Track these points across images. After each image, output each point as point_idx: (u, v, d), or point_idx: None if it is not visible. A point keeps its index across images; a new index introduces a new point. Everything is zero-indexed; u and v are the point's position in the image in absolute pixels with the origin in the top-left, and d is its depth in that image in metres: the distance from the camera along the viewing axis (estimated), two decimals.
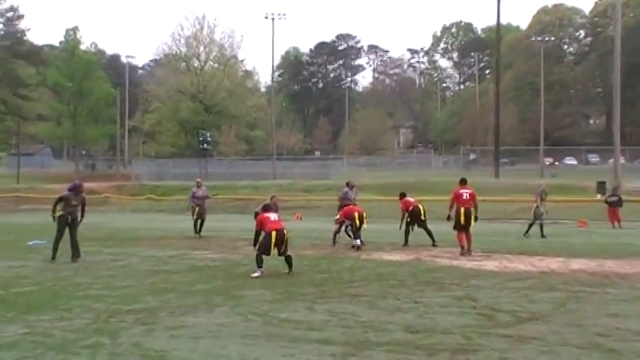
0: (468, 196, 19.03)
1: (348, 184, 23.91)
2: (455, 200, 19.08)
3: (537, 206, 25.17)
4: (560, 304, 11.36)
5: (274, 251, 14.62)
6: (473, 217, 18.83)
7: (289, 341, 8.77)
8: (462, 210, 18.74)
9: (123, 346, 8.55)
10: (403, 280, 14.09)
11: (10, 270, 15.85)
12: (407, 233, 21.13)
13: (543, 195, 25.43)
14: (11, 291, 12.93)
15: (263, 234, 14.80)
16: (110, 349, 8.37)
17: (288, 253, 14.94)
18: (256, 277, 14.24)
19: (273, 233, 14.55)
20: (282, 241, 14.63)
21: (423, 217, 21.23)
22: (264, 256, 14.58)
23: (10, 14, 75.83)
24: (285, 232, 14.86)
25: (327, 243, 21.36)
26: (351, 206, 20.78)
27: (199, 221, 25.33)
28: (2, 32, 76.30)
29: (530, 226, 25.14)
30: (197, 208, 25.41)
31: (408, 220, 21.23)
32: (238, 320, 10.12)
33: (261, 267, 14.54)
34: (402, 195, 22.11)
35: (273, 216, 15.20)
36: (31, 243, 21.49)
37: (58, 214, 17.48)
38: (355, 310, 10.75)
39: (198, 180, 28.02)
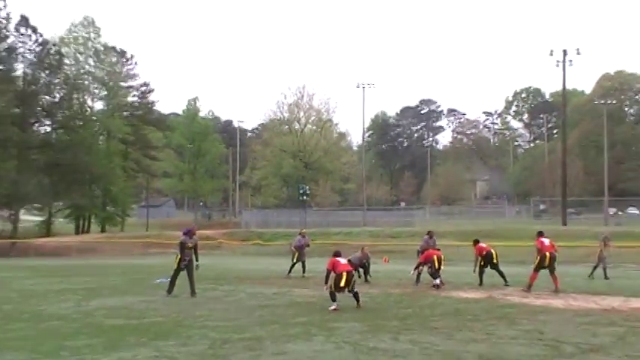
0: (548, 243, 18.92)
1: (429, 233, 23.79)
2: (540, 246, 18.87)
3: (601, 251, 24.54)
4: (620, 337, 11.07)
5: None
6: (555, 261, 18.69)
7: None
8: (548, 254, 18.54)
9: None
10: (477, 315, 13.90)
11: (142, 303, 16.29)
12: (481, 274, 20.85)
13: (607, 241, 24.77)
14: (143, 321, 13.33)
15: (334, 275, 14.96)
16: None
17: (356, 290, 15.17)
18: (333, 310, 14.40)
19: (344, 274, 14.81)
20: (350, 281, 14.89)
21: (495, 261, 20.99)
22: (336, 293, 14.81)
23: (143, 88, 78.72)
24: (353, 273, 15.22)
25: (411, 283, 21.25)
26: (430, 250, 20.72)
27: (301, 263, 25.13)
28: (137, 104, 79.15)
29: (595, 268, 24.44)
30: (297, 254, 25.58)
31: (482, 263, 21.01)
32: (332, 348, 10.15)
33: (335, 301, 14.72)
34: (476, 241, 21.81)
35: (342, 260, 15.45)
36: (158, 281, 21.77)
37: (177, 257, 18.01)
38: (434, 341, 10.68)
39: (304, 230, 28.23)
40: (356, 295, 15.13)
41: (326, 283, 15.21)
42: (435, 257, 19.79)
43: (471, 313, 14.28)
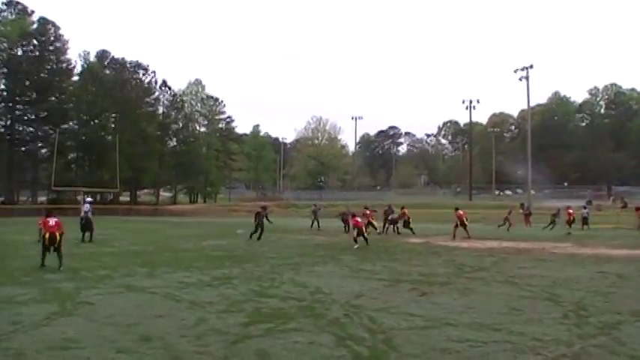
0: (462, 213, 19.03)
1: (389, 207, 22.56)
2: (457, 216, 18.69)
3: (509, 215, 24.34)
4: (495, 263, 11.40)
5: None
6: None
7: (363, 279, 9.21)
8: (463, 219, 18.71)
9: (285, 279, 9.15)
10: (420, 251, 14.18)
11: (230, 244, 16.68)
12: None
13: (513, 210, 23.39)
14: (233, 253, 13.80)
15: (355, 227, 15.34)
16: (279, 280, 9.00)
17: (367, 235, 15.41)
18: (356, 248, 14.48)
19: (363, 227, 15.36)
20: (366, 229, 15.51)
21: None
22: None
23: (227, 119, 79.08)
24: (362, 225, 15.41)
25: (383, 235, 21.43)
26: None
27: (317, 222, 24.63)
28: (223, 128, 79.40)
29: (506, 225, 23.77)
30: (314, 216, 24.82)
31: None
32: (338, 269, 10.57)
33: (357, 242, 14.90)
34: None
35: (359, 218, 15.70)
36: (239, 231, 22.02)
37: (255, 222, 18.09)
38: (395, 265, 11.04)
39: (319, 203, 27.96)
40: (366, 239, 15.19)
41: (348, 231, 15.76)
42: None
43: (416, 250, 14.56)
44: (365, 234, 15.37)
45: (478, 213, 37.06)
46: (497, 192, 69.65)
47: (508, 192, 72.75)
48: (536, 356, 4.62)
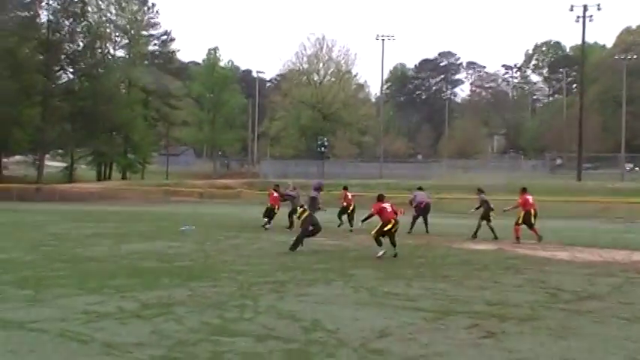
0: (532, 201, 19.99)
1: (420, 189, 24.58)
2: (524, 203, 19.88)
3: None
4: (617, 287, 11.67)
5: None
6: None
7: (391, 308, 9.46)
8: (532, 211, 19.77)
9: (262, 307, 9.37)
10: (486, 265, 14.54)
11: (171, 249, 17.07)
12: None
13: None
14: (174, 264, 14.10)
15: (381, 221, 15.69)
16: (253, 309, 9.23)
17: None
18: (381, 256, 15.18)
19: (392, 221, 15.60)
20: (395, 228, 15.74)
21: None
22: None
23: (164, 37, 78.98)
24: (398, 221, 15.91)
25: (425, 234, 21.97)
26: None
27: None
28: (157, 52, 79.41)
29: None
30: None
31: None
32: (350, 292, 10.83)
33: (381, 245, 15.48)
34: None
35: (388, 206, 16.00)
36: (183, 228, 22.47)
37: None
38: (445, 287, 11.32)
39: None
40: (394, 243, 15.78)
41: (363, 221, 16.15)
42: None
43: (479, 263, 14.88)
44: (393, 233, 15.77)
45: (591, 202, 37.50)
46: (629, 166, 69.79)
47: None
48: None
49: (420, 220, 23.16)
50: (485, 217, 21.14)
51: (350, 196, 24.96)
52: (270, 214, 24.56)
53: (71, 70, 69.70)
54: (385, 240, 15.64)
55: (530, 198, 20.11)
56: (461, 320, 8.69)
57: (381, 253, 15.37)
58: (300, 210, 17.94)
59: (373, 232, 15.85)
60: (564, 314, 9.19)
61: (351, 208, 24.41)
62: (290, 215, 23.61)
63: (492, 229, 20.79)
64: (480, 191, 21.99)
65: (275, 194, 24.58)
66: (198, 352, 6.99)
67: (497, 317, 8.88)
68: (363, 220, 16.32)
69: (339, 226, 24.10)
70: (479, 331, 8.03)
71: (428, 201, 23.76)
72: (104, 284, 11.26)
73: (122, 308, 9.23)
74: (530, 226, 19.78)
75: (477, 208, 21.66)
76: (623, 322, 8.72)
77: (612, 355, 7.06)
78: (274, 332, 7.88)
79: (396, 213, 15.98)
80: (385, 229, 15.63)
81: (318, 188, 18.23)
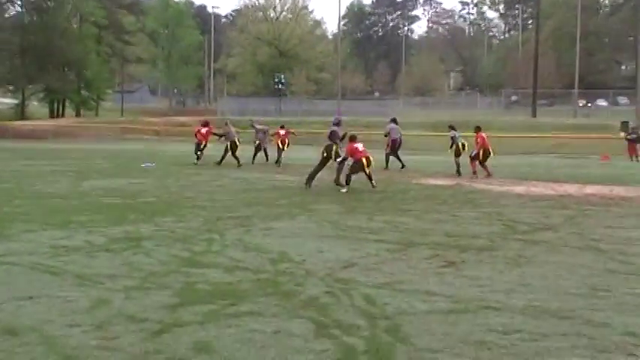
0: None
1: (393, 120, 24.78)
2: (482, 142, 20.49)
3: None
4: (570, 218, 12.05)
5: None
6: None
7: (354, 240, 9.68)
8: (488, 149, 20.58)
9: (229, 240, 9.55)
10: (445, 199, 14.83)
11: (133, 186, 17.10)
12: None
13: None
14: (138, 200, 14.16)
15: (352, 160, 16.03)
16: (221, 242, 9.42)
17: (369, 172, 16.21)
18: (345, 192, 15.55)
19: (364, 160, 15.91)
20: (369, 164, 16.05)
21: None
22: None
23: None
24: (370, 157, 16.16)
25: (382, 168, 22.22)
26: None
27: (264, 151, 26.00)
28: None
29: None
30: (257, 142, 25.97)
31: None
32: (314, 226, 11.03)
33: (349, 184, 15.90)
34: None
35: (360, 146, 16.23)
36: (144, 165, 22.57)
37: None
38: (406, 221, 11.57)
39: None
40: (370, 176, 16.21)
41: (339, 163, 16.37)
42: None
43: (439, 198, 15.18)
44: (368, 171, 16.12)
45: (546, 138, 38.23)
46: (582, 103, 70.96)
47: (602, 102, 74.33)
48: (627, 357, 4.98)
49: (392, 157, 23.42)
50: (457, 153, 21.43)
51: (282, 133, 25.90)
52: (198, 148, 24.93)
53: (19, 2, 67.70)
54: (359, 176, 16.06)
55: (484, 134, 20.77)
56: (422, 251, 8.95)
57: (344, 190, 15.68)
58: (334, 147, 17.06)
59: (347, 171, 16.14)
60: (520, 244, 9.52)
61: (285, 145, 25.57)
62: (231, 150, 24.17)
63: (458, 165, 21.11)
64: (452, 128, 22.19)
65: (203, 130, 25.11)
66: (170, 282, 7.17)
67: (457, 248, 9.17)
68: (340, 163, 16.44)
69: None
70: (439, 261, 8.32)
71: (400, 137, 24.01)
72: (69, 220, 11.30)
73: (90, 242, 9.33)
74: (483, 162, 20.41)
75: (452, 146, 21.82)
76: (576, 251, 9.09)
77: (565, 280, 7.38)
78: (243, 264, 8.08)
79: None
80: (358, 167, 15.95)
81: (337, 123, 18.36)
